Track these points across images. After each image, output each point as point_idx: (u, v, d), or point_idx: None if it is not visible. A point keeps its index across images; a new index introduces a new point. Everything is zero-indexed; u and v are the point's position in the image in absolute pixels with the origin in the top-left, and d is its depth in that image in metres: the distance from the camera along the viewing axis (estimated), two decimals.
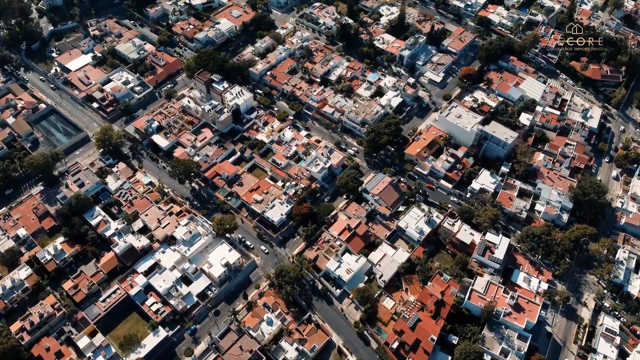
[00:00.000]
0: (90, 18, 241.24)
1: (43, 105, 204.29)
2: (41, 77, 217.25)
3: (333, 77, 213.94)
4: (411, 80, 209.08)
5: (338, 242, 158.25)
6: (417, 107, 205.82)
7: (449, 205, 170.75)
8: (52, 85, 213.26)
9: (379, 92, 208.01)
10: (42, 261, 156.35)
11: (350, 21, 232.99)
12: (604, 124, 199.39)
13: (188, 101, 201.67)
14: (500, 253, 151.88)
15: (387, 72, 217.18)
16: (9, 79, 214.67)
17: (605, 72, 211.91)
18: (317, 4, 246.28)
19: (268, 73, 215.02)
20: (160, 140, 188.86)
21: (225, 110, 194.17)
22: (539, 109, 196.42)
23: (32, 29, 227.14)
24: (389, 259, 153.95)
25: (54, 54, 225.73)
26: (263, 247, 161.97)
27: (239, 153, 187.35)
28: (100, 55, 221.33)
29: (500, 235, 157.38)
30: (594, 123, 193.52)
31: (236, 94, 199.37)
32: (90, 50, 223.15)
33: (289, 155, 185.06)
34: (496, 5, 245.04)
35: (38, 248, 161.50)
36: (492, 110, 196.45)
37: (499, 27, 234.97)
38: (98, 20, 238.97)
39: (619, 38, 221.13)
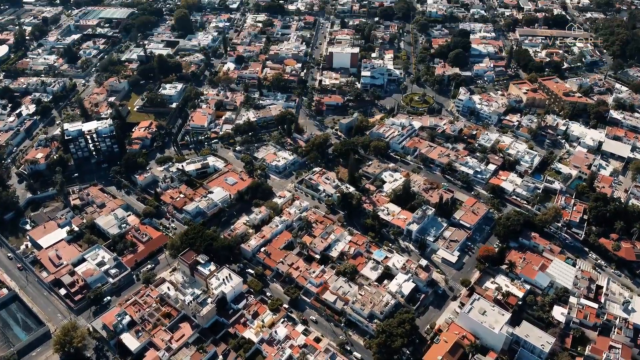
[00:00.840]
0: (74, 184, 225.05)
1: (5, 291, 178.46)
2: (9, 255, 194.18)
3: (334, 254, 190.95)
4: (423, 262, 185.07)
5: None
6: (433, 294, 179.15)
7: None
8: (19, 265, 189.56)
9: (387, 274, 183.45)
10: None
11: (352, 189, 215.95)
12: None
13: (168, 288, 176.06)
14: None
15: (395, 247, 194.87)
16: None
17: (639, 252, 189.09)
18: (317, 169, 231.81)
19: (262, 249, 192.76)
20: (130, 341, 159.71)
21: (209, 300, 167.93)
22: (573, 300, 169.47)
23: (7, 198, 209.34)
24: None
25: (27, 226, 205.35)
26: None
27: (220, 357, 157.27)
28: (77, 229, 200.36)
29: None
30: (637, 318, 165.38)
31: (223, 279, 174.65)
32: (68, 224, 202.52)
33: None
34: (508, 172, 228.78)
35: None
36: (519, 302, 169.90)
37: (514, 197, 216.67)
38: (81, 187, 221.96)
39: None
